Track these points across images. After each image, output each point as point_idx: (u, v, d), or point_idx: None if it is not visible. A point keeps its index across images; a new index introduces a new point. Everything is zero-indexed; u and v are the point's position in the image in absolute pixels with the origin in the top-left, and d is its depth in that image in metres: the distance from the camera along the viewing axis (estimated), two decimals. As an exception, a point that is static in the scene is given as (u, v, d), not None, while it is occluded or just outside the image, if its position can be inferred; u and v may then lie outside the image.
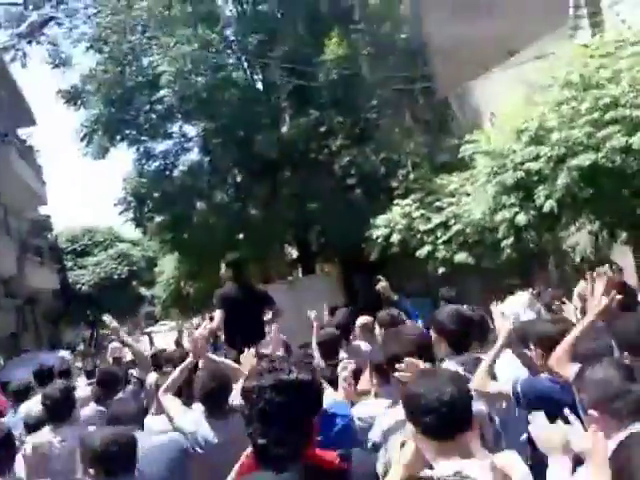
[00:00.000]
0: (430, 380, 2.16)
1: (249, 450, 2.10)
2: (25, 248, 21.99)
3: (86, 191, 78.96)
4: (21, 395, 6.32)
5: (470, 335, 3.60)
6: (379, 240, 12.29)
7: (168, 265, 28.46)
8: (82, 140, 16.35)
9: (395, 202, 12.59)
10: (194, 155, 18.11)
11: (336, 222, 14.31)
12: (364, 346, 5.66)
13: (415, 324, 4.98)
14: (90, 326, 32.18)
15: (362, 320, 6.14)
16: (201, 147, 17.65)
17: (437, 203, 12.01)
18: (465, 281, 11.79)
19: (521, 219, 7.90)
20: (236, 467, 2.25)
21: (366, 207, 13.74)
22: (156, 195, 17.00)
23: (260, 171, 15.43)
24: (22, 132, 24.71)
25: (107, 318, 4.88)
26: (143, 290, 33.76)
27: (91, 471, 3.01)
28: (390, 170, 13.41)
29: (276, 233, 16.82)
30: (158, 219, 17.14)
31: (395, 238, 12.05)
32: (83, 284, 29.16)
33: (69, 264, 29.30)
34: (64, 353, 17.20)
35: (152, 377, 4.85)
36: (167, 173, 17.59)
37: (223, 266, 7.03)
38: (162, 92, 14.01)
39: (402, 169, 12.88)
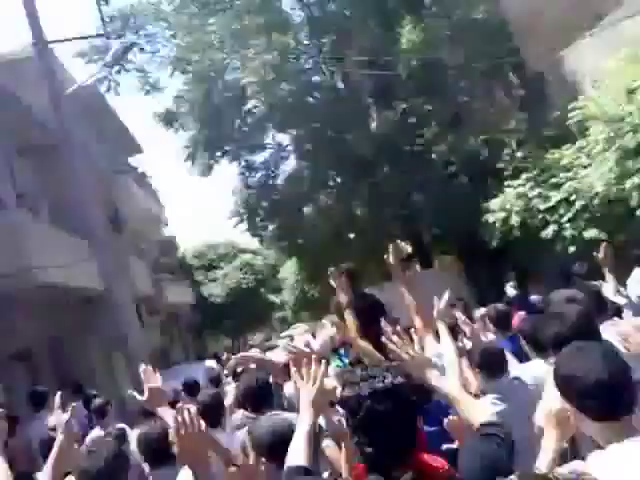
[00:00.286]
0: (584, 359, 1.97)
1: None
2: (157, 268, 23.15)
3: (201, 208, 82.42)
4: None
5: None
6: (497, 225, 11.54)
7: (290, 271, 29.04)
8: (186, 160, 16.94)
9: (506, 184, 11.77)
10: (292, 162, 18.33)
11: (444, 212, 13.66)
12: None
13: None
14: (230, 336, 33.44)
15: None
16: (298, 154, 17.71)
17: (553, 179, 10.91)
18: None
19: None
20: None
21: (474, 192, 13.00)
22: (264, 204, 17.29)
23: (358, 170, 15.12)
24: (131, 160, 26.02)
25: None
26: (272, 297, 34.57)
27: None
28: (494, 151, 12.61)
29: (385, 230, 16.49)
30: (271, 227, 17.43)
31: (514, 220, 11.16)
32: (216, 296, 30.29)
33: (200, 278, 30.59)
34: (211, 362, 17.85)
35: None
36: (270, 182, 17.87)
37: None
38: (250, 103, 14.10)
39: (507, 149, 12.04)
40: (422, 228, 16.63)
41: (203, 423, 2.25)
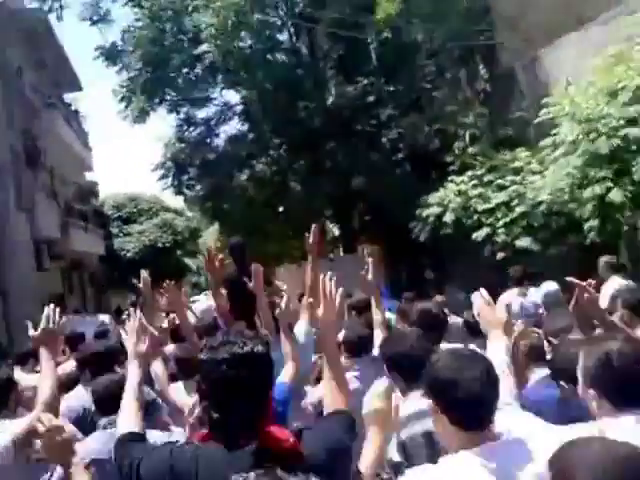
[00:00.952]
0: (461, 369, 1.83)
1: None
2: (69, 212, 21.18)
3: (131, 159, 78.74)
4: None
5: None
6: (430, 219, 10.77)
7: (211, 237, 27.63)
8: (121, 101, 15.23)
9: (450, 179, 11.03)
10: (235, 123, 16.92)
11: (382, 199, 12.86)
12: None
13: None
14: (135, 293, 31.53)
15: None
16: (242, 116, 16.36)
17: (499, 181, 10.32)
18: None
19: (615, 196, 6.35)
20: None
21: (416, 184, 12.22)
22: (196, 163, 15.87)
23: (303, 141, 14.02)
24: (68, 97, 23.90)
25: (144, 273, 4.51)
26: (188, 260, 32.95)
27: None
28: (445, 144, 11.79)
29: (317, 208, 15.48)
30: (198, 187, 16.02)
31: (448, 218, 10.46)
32: (128, 251, 28.40)
33: (114, 231, 28.54)
34: (104, 317, 16.40)
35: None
36: (208, 141, 16.43)
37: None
38: (204, 47, 12.60)
39: (459, 142, 11.23)
40: (354, 212, 15.73)
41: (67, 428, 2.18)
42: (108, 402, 2.97)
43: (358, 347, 3.76)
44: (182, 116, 16.60)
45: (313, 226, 4.11)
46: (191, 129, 16.48)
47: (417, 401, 2.29)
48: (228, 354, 1.79)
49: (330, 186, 13.87)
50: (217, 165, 15.38)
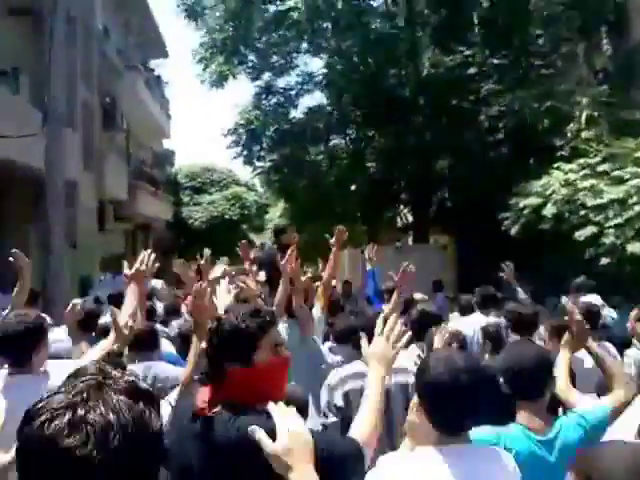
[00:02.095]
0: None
1: None
2: (140, 176, 20.31)
3: (208, 129, 78.66)
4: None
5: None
6: (526, 211, 8.97)
7: (277, 214, 26.40)
8: (199, 62, 13.93)
9: (556, 165, 9.17)
10: (315, 96, 15.41)
11: (470, 185, 11.09)
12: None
13: None
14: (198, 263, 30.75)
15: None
16: (324, 87, 14.74)
17: (616, 173, 8.36)
18: (638, 279, 8.33)
19: None
20: None
21: (512, 170, 10.40)
22: (270, 133, 14.45)
23: (387, 114, 12.29)
24: (152, 63, 23.01)
25: (207, 251, 4.51)
26: (252, 235, 31.92)
27: None
28: (555, 125, 9.86)
29: (393, 191, 13.83)
30: (268, 159, 14.60)
31: (549, 211, 8.59)
32: (196, 220, 27.59)
33: (185, 199, 27.73)
34: (157, 283, 15.33)
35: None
36: (285, 111, 14.95)
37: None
38: (290, 2, 11.02)
39: (573, 125, 9.30)
40: (433, 197, 13.96)
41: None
42: None
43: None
44: (261, 83, 15.20)
45: (337, 228, 4.40)
46: (269, 97, 15.03)
47: (359, 365, 3.14)
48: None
49: (411, 167, 12.17)
50: (291, 137, 13.91)
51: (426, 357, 1.96)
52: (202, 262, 4.26)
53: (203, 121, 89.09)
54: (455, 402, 1.72)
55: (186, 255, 30.36)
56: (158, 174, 23.54)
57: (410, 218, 16.47)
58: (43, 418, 0.89)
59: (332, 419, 3.15)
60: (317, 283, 6.09)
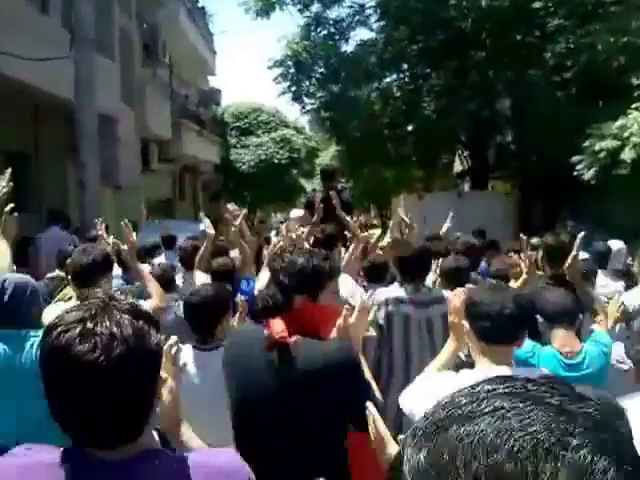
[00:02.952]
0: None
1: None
2: (185, 114, 19.90)
3: (257, 69, 77.03)
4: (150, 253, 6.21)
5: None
6: (601, 155, 8.10)
7: (328, 158, 25.67)
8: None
9: (634, 106, 8.22)
10: (368, 30, 14.41)
11: (535, 127, 10.22)
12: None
13: None
14: (248, 208, 30.47)
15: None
16: (377, 18, 13.80)
17: None
18: None
19: None
20: None
21: (582, 111, 9.47)
22: (320, 68, 13.71)
23: (445, 48, 11.42)
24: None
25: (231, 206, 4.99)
26: (302, 180, 31.39)
27: None
28: (633, 62, 8.84)
29: (451, 133, 12.97)
30: (318, 95, 13.87)
31: (628, 155, 7.80)
32: (244, 163, 27.14)
33: (232, 141, 27.25)
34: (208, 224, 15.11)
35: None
36: (336, 45, 14.11)
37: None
38: None
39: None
40: (492, 140, 13.05)
41: None
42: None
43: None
44: (311, 14, 14.37)
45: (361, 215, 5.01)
46: (319, 30, 14.21)
47: (398, 290, 3.46)
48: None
49: (470, 106, 11.30)
50: (343, 73, 13.15)
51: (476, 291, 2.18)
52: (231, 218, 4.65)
53: (250, 59, 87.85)
54: (500, 322, 1.96)
55: (235, 200, 30.29)
56: (204, 113, 23.13)
57: (466, 164, 15.60)
58: (59, 330, 1.10)
59: (371, 333, 3.16)
60: (371, 231, 6.11)
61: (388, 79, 13.53)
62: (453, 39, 11.10)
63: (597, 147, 8.14)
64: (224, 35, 54.49)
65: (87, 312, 1.11)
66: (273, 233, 8.98)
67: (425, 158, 13.73)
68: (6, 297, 2.40)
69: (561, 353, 2.50)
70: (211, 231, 4.53)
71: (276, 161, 27.29)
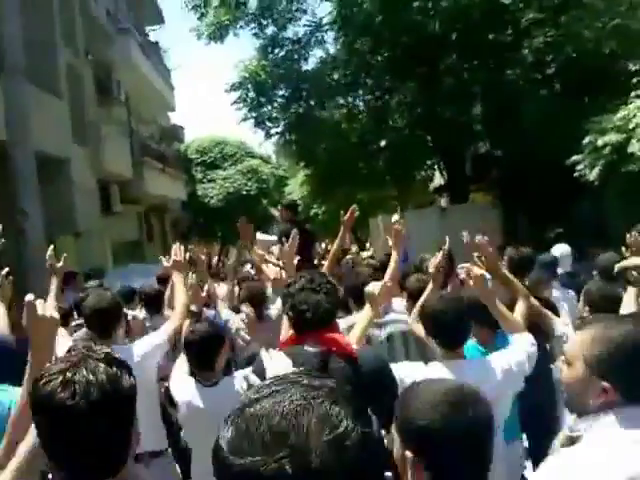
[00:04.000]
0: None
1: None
2: (145, 152, 18.82)
3: (216, 103, 76.35)
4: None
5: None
6: (605, 151, 7.23)
7: (297, 186, 24.76)
8: (194, 9, 12.28)
9: (634, 94, 7.41)
10: (329, 45, 13.55)
11: (518, 130, 9.40)
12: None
13: None
14: (220, 243, 29.22)
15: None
16: (336, 33, 12.91)
17: None
18: None
19: None
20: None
21: (569, 107, 8.66)
22: (279, 90, 12.77)
23: (411, 55, 10.58)
24: (149, 31, 21.39)
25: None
26: (273, 210, 30.37)
27: None
28: (625, 49, 8.06)
29: (425, 146, 12.12)
30: (282, 117, 12.89)
31: (636, 147, 6.93)
32: (212, 197, 26.04)
33: (198, 176, 26.18)
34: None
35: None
36: (295, 65, 13.21)
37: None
38: None
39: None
40: (468, 151, 12.22)
41: None
42: None
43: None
44: (266, 37, 13.48)
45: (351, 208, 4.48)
46: (276, 51, 13.31)
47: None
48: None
49: (445, 114, 10.44)
50: (304, 92, 12.26)
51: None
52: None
53: (212, 92, 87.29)
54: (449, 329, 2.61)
55: (206, 236, 29.14)
56: (167, 150, 22.08)
57: (444, 177, 14.74)
58: (44, 380, 1.28)
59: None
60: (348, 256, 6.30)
61: (353, 95, 12.62)
62: (420, 45, 10.24)
63: (600, 142, 7.23)
64: (182, 71, 53.76)
65: (67, 363, 1.29)
66: (248, 266, 8.20)
67: (400, 174, 12.81)
68: None
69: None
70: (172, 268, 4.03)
71: (245, 192, 26.28)
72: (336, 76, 12.25)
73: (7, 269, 3.11)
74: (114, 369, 1.28)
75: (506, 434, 2.59)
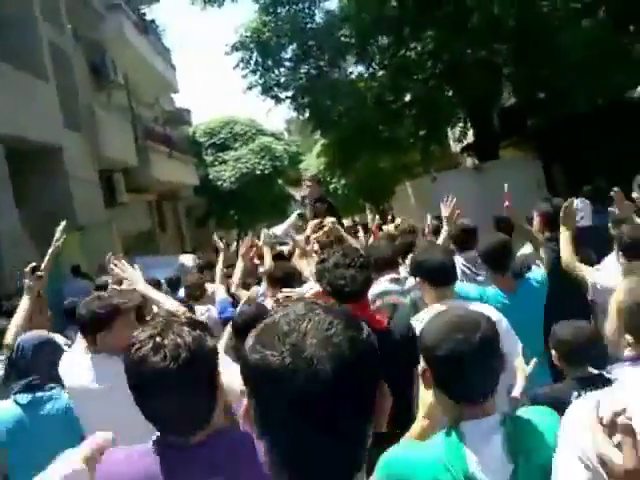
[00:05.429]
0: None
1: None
2: (151, 137, 17.79)
3: (224, 83, 74.83)
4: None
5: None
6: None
7: (312, 162, 23.59)
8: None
9: None
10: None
11: (560, 67, 8.18)
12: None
13: None
14: (238, 227, 28.17)
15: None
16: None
17: None
18: None
19: None
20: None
21: (621, 35, 7.42)
22: (286, 52, 11.60)
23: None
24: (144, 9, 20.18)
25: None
26: (290, 189, 29.23)
27: None
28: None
29: (450, 101, 10.93)
30: (292, 78, 11.71)
31: None
32: (224, 180, 24.95)
33: (209, 159, 25.14)
34: (186, 258, 12.77)
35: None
36: (303, 22, 11.97)
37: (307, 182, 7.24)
38: None
39: None
40: (496, 105, 10.99)
41: None
42: None
43: None
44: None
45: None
46: (279, 10, 12.06)
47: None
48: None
49: (473, 56, 9.22)
50: (315, 50, 11.06)
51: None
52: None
53: (216, 75, 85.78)
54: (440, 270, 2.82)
55: (223, 222, 28.04)
56: (173, 134, 21.03)
57: (470, 135, 13.49)
58: (136, 346, 1.43)
59: None
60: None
61: (368, 50, 11.38)
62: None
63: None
64: (184, 54, 52.47)
65: (155, 329, 1.43)
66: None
67: (426, 134, 11.63)
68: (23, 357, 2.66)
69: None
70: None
71: (259, 172, 25.16)
72: (346, 31, 11.03)
73: (34, 264, 3.19)
74: (197, 331, 1.44)
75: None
